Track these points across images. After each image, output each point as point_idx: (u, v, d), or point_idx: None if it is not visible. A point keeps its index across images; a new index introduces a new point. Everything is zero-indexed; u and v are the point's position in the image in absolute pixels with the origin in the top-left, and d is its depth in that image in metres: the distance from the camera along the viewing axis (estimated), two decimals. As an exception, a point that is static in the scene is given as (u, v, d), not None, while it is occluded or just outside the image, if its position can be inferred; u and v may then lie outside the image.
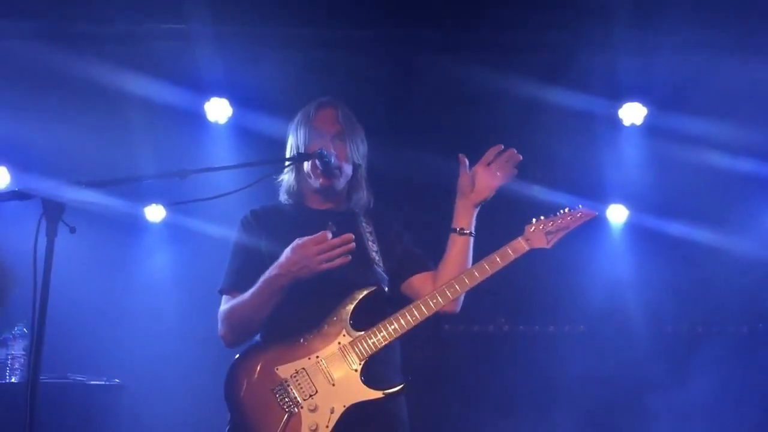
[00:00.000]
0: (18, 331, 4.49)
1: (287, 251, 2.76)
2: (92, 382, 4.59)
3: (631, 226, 5.79)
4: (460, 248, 2.96)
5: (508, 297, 5.53)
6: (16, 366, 4.47)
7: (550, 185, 5.28)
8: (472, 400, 5.60)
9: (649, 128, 5.30)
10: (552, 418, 5.40)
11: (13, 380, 4.44)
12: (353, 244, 2.73)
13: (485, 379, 5.59)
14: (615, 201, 5.75)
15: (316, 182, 3.03)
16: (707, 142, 5.12)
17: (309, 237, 2.73)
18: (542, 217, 2.91)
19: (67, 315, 4.66)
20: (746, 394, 5.37)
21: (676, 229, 5.56)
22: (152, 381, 5.17)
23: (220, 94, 5.23)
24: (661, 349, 5.61)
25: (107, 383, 4.65)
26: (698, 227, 5.52)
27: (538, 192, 5.29)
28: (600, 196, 5.64)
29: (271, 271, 2.78)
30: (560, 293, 5.63)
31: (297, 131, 3.08)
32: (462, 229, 2.98)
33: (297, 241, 2.74)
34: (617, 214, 5.79)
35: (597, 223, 5.70)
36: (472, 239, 2.98)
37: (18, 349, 4.48)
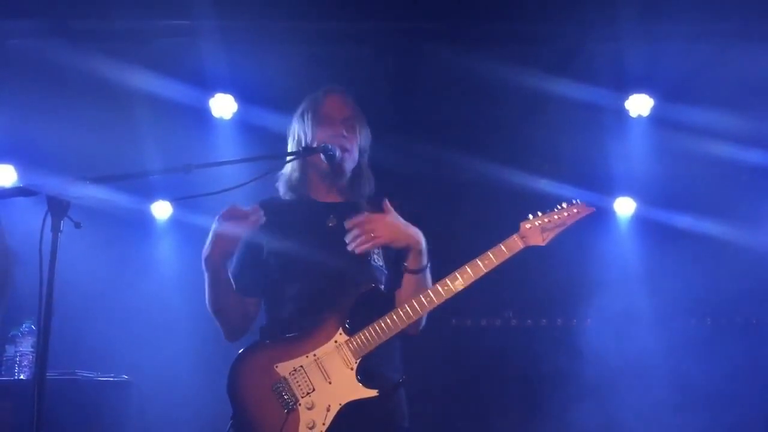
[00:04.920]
0: (26, 328, 4.51)
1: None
2: (100, 379, 4.60)
3: (638, 219, 5.79)
4: (406, 284, 2.89)
5: (516, 291, 5.52)
6: (25, 363, 4.49)
7: (557, 178, 5.27)
8: (479, 393, 5.60)
9: (656, 120, 5.28)
10: (560, 411, 5.39)
11: (21, 377, 4.45)
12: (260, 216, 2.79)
13: (493, 373, 5.59)
14: (622, 193, 5.74)
15: (324, 167, 2.99)
16: (715, 133, 5.10)
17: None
18: (539, 213, 2.83)
19: (76, 311, 4.70)
20: (755, 385, 5.36)
21: (684, 221, 5.56)
22: (160, 377, 5.19)
23: (225, 90, 5.23)
24: (668, 341, 5.60)
25: (115, 379, 4.66)
26: (706, 219, 5.51)
27: (545, 185, 5.29)
28: (607, 188, 5.64)
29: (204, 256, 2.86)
30: (568, 287, 5.63)
31: (304, 117, 3.06)
32: (408, 268, 2.89)
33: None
34: (625, 207, 5.78)
35: (604, 215, 5.70)
36: (423, 272, 2.89)
37: (26, 346, 4.50)
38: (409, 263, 2.86)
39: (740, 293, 5.57)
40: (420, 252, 2.84)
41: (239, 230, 2.82)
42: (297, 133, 3.08)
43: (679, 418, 5.35)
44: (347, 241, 2.79)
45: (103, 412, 4.43)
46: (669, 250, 5.64)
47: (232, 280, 2.99)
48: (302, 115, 3.08)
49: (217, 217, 2.84)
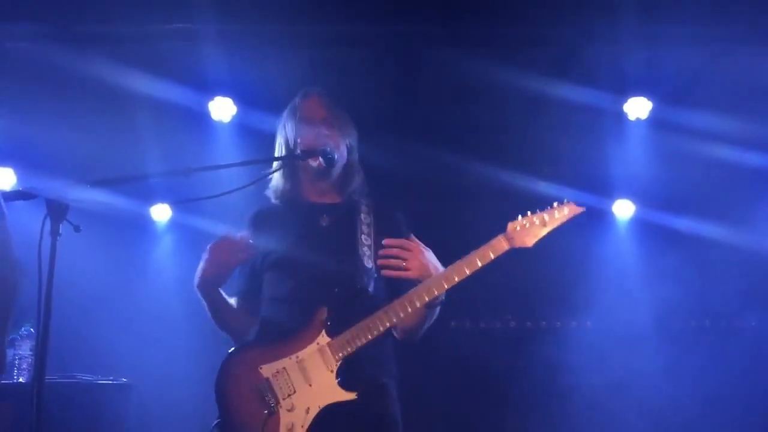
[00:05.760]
0: (25, 332, 4.51)
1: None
2: (99, 382, 4.60)
3: (637, 221, 5.78)
4: (414, 315, 2.82)
5: (515, 293, 5.52)
6: (24, 366, 4.49)
7: (556, 180, 5.27)
8: (478, 396, 5.59)
9: (654, 123, 5.29)
10: (559, 415, 5.39)
11: (21, 380, 4.45)
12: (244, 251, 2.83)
13: (492, 376, 5.59)
14: (621, 196, 5.74)
15: (311, 169, 2.99)
16: (713, 136, 5.10)
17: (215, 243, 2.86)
18: (528, 213, 2.76)
19: (75, 314, 4.69)
20: (754, 388, 5.36)
21: (683, 223, 5.56)
22: (159, 380, 5.19)
23: (224, 93, 5.24)
24: (668, 343, 5.60)
25: (114, 382, 4.66)
26: (705, 222, 5.51)
27: (544, 187, 5.29)
28: (606, 191, 5.64)
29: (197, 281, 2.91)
30: (567, 289, 5.62)
31: (285, 125, 3.08)
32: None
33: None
34: (624, 209, 5.78)
35: (603, 218, 5.70)
36: (435, 308, 2.84)
37: (25, 350, 4.50)
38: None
39: (739, 296, 5.57)
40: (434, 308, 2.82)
41: (230, 261, 2.88)
42: (281, 141, 3.09)
43: (680, 419, 5.35)
44: (381, 256, 2.78)
45: (103, 415, 4.43)
46: (668, 253, 5.64)
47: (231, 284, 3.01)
48: (284, 123, 3.10)
49: (208, 247, 2.87)
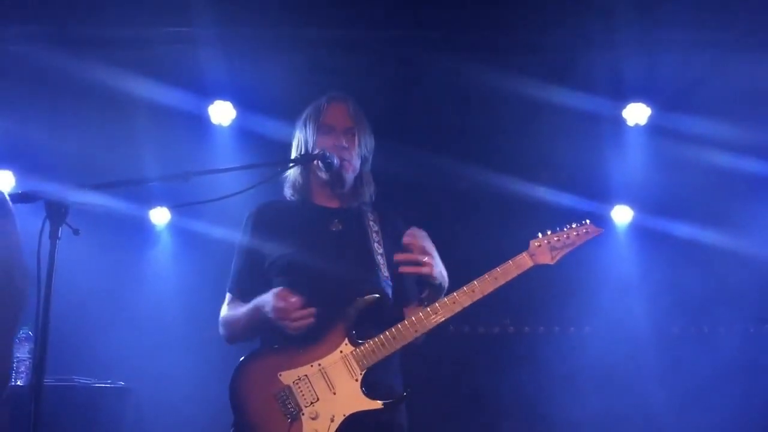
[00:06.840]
0: (23, 335, 4.50)
1: (269, 299, 2.80)
2: (97, 385, 4.59)
3: (635, 227, 5.79)
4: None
5: (513, 298, 5.51)
6: (22, 369, 4.48)
7: (555, 186, 5.28)
8: (476, 401, 5.59)
9: (653, 128, 5.30)
10: (557, 420, 5.38)
11: (18, 383, 4.44)
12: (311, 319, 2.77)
13: (490, 381, 5.59)
14: (620, 202, 5.75)
15: (323, 175, 3.01)
16: (712, 142, 5.12)
17: (288, 296, 2.78)
18: (549, 232, 2.87)
19: (73, 317, 4.68)
20: (753, 395, 5.36)
21: (681, 229, 5.56)
22: (157, 383, 5.17)
23: (223, 97, 5.24)
24: (666, 349, 5.60)
25: (112, 386, 4.65)
26: (703, 228, 5.51)
27: (543, 193, 5.30)
28: (605, 196, 5.64)
29: (259, 307, 2.83)
30: (565, 294, 5.61)
31: (306, 126, 3.08)
32: (425, 301, 2.91)
33: (278, 293, 2.79)
34: (622, 215, 5.78)
35: (602, 223, 5.68)
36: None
37: (23, 352, 4.48)
38: (427, 297, 2.88)
39: (737, 301, 5.57)
40: (442, 292, 2.86)
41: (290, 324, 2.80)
42: (299, 139, 3.10)
43: (677, 427, 5.35)
44: (397, 260, 2.81)
45: (100, 418, 4.41)
46: (666, 258, 5.64)
47: (232, 281, 3.02)
48: (305, 122, 3.09)
49: (280, 296, 2.79)
